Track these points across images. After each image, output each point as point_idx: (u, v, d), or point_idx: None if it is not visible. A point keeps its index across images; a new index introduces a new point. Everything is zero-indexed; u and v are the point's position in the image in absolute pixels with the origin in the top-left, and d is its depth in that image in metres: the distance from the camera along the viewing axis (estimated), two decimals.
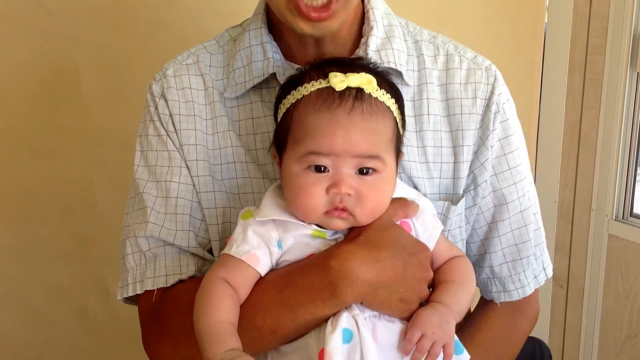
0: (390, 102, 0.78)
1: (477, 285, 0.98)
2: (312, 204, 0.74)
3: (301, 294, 0.74)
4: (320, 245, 0.77)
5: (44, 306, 1.50)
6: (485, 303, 0.99)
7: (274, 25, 0.90)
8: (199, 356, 0.75)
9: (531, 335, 1.06)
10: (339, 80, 0.74)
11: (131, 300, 0.92)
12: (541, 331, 2.15)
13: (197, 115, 0.90)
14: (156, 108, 0.91)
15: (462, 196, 0.90)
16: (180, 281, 0.87)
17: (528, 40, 1.84)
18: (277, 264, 0.78)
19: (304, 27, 0.78)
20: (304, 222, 0.77)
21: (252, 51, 0.88)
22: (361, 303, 0.75)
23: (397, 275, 0.75)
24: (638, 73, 1.81)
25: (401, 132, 0.82)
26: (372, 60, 0.83)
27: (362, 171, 0.75)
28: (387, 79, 0.81)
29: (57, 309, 1.52)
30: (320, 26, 0.77)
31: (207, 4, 1.44)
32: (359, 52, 0.86)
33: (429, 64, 0.90)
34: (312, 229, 0.77)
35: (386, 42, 0.87)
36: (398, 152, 0.81)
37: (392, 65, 0.86)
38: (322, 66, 0.78)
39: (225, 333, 0.71)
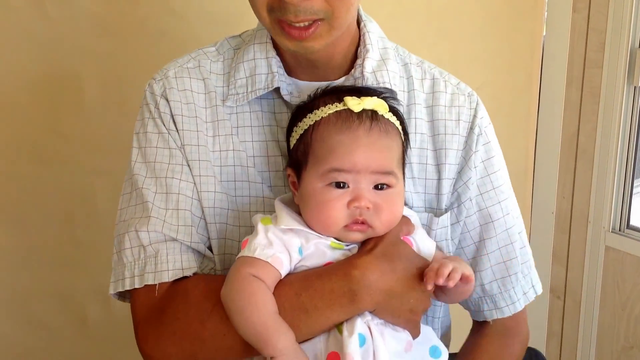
0: (397, 123, 0.85)
1: (469, 307, 1.01)
2: (333, 217, 0.80)
3: (320, 298, 0.78)
4: (338, 255, 0.82)
5: (43, 312, 1.51)
6: (476, 330, 1.02)
7: (273, 42, 0.92)
8: (201, 352, 0.81)
9: (528, 345, 1.07)
10: (355, 103, 0.80)
11: (123, 296, 0.92)
12: (538, 342, 2.15)
13: (198, 117, 0.91)
14: (156, 106, 0.92)
15: (446, 211, 0.94)
16: (184, 277, 0.87)
17: (526, 54, 1.86)
18: (294, 269, 0.82)
19: (287, 44, 0.82)
20: (321, 235, 0.81)
21: (256, 64, 0.91)
22: (373, 311, 0.79)
23: (409, 286, 0.81)
24: (635, 87, 1.83)
25: (406, 153, 0.88)
26: (380, 88, 0.88)
27: (378, 187, 0.81)
28: (392, 105, 0.86)
29: (56, 315, 1.52)
30: (302, 45, 0.81)
31: (209, 15, 1.45)
32: (355, 73, 0.90)
33: (417, 86, 0.95)
34: (331, 241, 0.81)
35: (381, 64, 0.91)
36: (404, 171, 0.87)
37: (387, 86, 0.90)
38: (334, 92, 0.84)
39: (284, 323, 0.76)
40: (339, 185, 0.80)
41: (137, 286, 0.87)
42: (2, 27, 1.34)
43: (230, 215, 0.91)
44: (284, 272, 0.80)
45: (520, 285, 0.98)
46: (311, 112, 0.83)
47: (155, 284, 0.86)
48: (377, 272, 0.78)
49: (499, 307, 0.98)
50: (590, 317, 2.04)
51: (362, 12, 0.94)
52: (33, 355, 1.52)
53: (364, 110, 0.80)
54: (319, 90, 0.86)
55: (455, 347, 1.06)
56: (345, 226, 0.80)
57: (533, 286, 1.00)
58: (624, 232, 1.94)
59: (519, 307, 0.98)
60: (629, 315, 1.94)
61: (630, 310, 1.94)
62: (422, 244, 0.87)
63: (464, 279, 0.80)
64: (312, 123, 0.83)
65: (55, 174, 1.45)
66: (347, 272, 0.78)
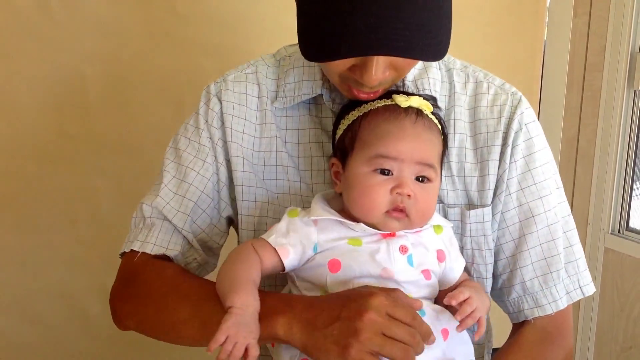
0: (439, 126, 0.89)
1: (508, 308, 1.00)
2: (376, 202, 0.83)
3: (261, 309, 0.78)
4: (352, 251, 0.83)
5: (46, 311, 1.52)
6: (516, 335, 0.99)
7: None
8: (150, 321, 0.89)
9: None
10: (403, 99, 0.85)
11: None
12: None
13: (247, 119, 0.98)
14: (206, 103, 0.99)
15: (489, 205, 0.95)
16: (165, 257, 0.95)
17: (527, 57, 1.86)
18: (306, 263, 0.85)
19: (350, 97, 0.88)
20: (351, 223, 0.84)
21: (304, 71, 0.97)
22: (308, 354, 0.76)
23: (332, 316, 0.75)
24: (635, 90, 1.84)
25: (445, 155, 0.92)
26: (424, 95, 0.93)
27: (419, 179, 0.85)
28: (434, 110, 0.90)
29: (59, 313, 1.53)
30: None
31: (213, 17, 1.46)
32: (397, 82, 0.93)
33: (459, 89, 0.98)
34: (351, 236, 0.84)
35: (423, 72, 0.96)
36: (441, 171, 0.91)
37: (427, 92, 0.94)
38: (383, 94, 0.88)
39: (257, 294, 0.78)
40: (384, 172, 0.83)
41: (125, 250, 0.96)
42: (8, 28, 1.35)
43: (270, 209, 0.97)
44: (288, 263, 0.84)
45: (563, 284, 0.96)
46: (360, 106, 0.88)
47: (139, 252, 0.94)
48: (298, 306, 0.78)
49: (541, 304, 0.96)
50: (589, 318, 2.05)
51: None
52: (35, 352, 1.53)
53: (410, 107, 0.85)
54: None
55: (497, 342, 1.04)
56: (386, 212, 0.83)
57: (580, 287, 0.98)
58: (623, 234, 1.95)
59: (561, 305, 0.96)
60: (627, 316, 1.95)
61: (629, 311, 1.94)
62: (454, 255, 0.91)
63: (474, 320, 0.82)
64: (360, 114, 0.87)
65: (59, 174, 1.46)
66: (292, 297, 0.81)
